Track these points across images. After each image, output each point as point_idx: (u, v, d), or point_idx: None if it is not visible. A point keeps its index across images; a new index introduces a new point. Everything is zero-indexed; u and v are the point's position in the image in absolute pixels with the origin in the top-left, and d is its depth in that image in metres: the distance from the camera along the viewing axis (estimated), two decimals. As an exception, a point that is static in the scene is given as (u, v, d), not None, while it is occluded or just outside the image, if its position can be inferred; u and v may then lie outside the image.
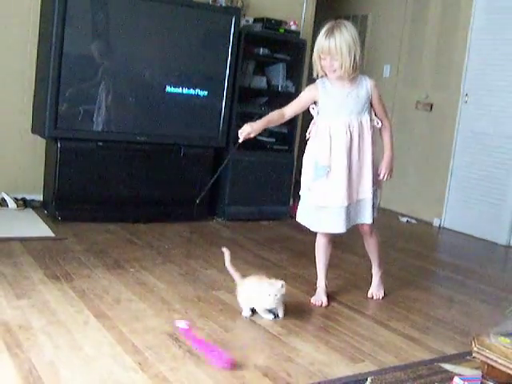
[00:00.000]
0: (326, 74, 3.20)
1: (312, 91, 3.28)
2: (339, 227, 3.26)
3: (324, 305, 3.35)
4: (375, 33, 6.95)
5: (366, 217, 3.32)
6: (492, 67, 5.68)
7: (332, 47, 3.07)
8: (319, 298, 3.39)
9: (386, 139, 3.36)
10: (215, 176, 3.34)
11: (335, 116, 3.23)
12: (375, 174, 3.33)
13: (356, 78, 3.22)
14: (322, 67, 3.17)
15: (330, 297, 3.45)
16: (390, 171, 3.37)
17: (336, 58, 3.08)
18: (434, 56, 6.28)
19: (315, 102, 3.28)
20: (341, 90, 3.21)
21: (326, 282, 3.47)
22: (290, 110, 3.34)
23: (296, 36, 5.55)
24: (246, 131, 3.17)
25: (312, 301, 3.38)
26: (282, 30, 5.39)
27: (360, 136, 3.23)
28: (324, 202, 3.27)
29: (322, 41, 3.11)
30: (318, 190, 3.28)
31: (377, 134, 3.36)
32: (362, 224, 3.38)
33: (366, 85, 3.23)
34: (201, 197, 3.40)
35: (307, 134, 3.36)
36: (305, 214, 3.38)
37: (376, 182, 3.35)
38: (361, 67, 3.17)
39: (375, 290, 3.61)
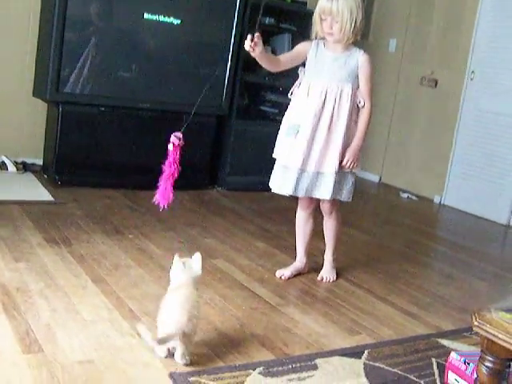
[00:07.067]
0: (324, 37, 3.07)
1: (305, 45, 3.14)
2: (287, 188, 3.11)
3: (283, 279, 3.24)
4: (382, 5, 6.84)
5: (324, 192, 3.11)
6: (499, 45, 5.61)
7: (334, 8, 2.93)
8: (285, 271, 3.29)
9: (360, 124, 3.11)
10: None
11: (316, 76, 3.09)
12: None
13: (351, 47, 3.08)
14: (321, 28, 3.03)
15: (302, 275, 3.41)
16: (356, 160, 3.11)
17: (337, 19, 2.95)
18: (441, 31, 6.19)
19: (304, 64, 3.16)
20: (331, 54, 3.07)
21: (304, 260, 3.35)
22: (283, 58, 3.19)
23: (303, 7, 5.47)
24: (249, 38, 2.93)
25: (277, 272, 3.29)
26: (288, 0, 5.32)
27: (336, 102, 3.04)
28: (286, 161, 3.12)
29: (324, 1, 2.98)
30: (285, 149, 3.13)
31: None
32: (323, 201, 3.22)
33: (358, 57, 3.05)
34: None
35: (289, 94, 3.22)
36: (273, 176, 3.20)
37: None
38: (361, 33, 3.03)
39: (326, 273, 3.37)
